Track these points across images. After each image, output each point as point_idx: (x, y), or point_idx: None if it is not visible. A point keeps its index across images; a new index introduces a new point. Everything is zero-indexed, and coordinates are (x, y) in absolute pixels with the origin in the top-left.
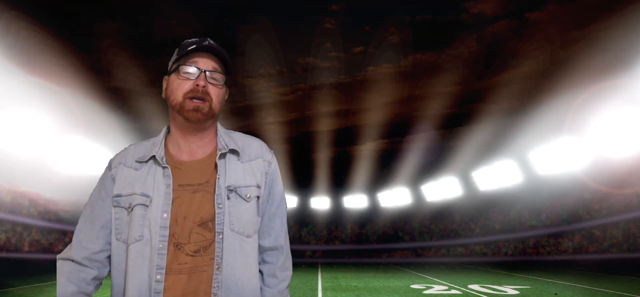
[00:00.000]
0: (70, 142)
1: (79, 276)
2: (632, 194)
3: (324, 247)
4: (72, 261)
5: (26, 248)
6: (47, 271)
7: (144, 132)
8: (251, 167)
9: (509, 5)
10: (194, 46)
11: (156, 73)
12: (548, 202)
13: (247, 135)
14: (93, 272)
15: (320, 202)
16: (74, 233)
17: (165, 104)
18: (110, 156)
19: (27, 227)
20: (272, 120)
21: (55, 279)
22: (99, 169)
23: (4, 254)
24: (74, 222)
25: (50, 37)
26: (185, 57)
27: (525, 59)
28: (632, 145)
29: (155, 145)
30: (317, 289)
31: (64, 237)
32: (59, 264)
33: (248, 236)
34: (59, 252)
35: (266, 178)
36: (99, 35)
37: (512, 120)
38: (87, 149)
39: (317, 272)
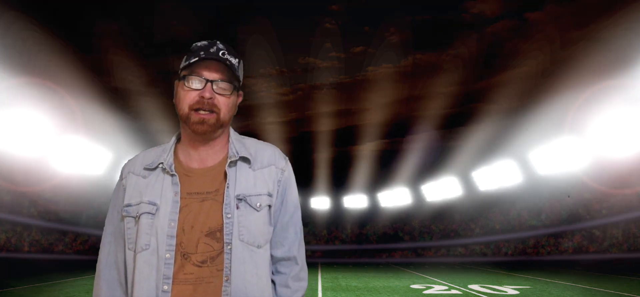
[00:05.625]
0: (70, 142)
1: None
2: (632, 194)
3: (324, 247)
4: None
5: (26, 248)
6: (47, 271)
7: (143, 132)
8: (263, 175)
9: (509, 5)
10: (197, 58)
11: (156, 73)
12: (548, 202)
13: (261, 142)
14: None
15: (320, 202)
16: (100, 248)
17: (166, 105)
18: (110, 155)
19: (27, 227)
20: (272, 120)
21: (55, 279)
22: (98, 169)
23: (4, 254)
24: (74, 222)
25: (50, 37)
26: (191, 66)
27: (525, 59)
28: (632, 145)
29: (165, 151)
30: (317, 289)
31: (64, 237)
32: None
33: (258, 246)
34: (59, 252)
35: (279, 186)
36: (99, 35)
37: (512, 120)
38: (87, 149)
39: (317, 272)
